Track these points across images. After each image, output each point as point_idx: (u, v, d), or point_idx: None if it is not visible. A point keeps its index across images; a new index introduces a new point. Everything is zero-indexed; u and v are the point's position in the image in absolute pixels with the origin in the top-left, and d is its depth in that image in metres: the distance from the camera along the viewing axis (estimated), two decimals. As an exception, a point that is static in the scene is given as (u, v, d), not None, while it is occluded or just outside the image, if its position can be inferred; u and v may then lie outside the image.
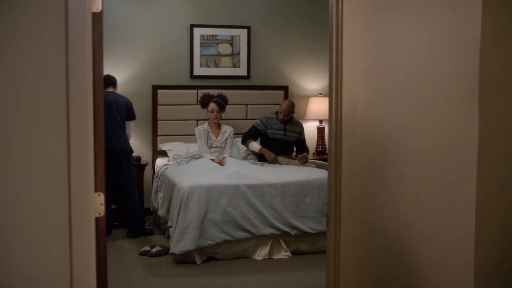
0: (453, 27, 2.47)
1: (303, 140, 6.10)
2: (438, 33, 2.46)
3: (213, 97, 5.88)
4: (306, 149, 6.09)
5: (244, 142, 5.95)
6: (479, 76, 2.47)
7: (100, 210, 2.08)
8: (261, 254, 4.79)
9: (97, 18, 2.07)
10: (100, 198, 2.08)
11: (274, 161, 5.77)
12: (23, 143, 2.00)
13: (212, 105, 5.80)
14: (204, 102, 5.89)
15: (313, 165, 5.91)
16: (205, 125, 5.89)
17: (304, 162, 5.75)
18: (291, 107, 5.89)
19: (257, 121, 5.99)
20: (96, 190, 2.07)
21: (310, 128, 6.77)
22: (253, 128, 5.96)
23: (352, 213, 2.39)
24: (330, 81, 2.38)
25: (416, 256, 2.52)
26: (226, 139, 5.90)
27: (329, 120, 2.42)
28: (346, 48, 2.30)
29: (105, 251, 2.13)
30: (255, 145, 5.86)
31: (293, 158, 5.95)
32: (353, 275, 2.43)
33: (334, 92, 2.35)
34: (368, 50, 2.36)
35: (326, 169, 5.76)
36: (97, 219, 2.07)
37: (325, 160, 6.30)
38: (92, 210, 2.06)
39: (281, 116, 5.89)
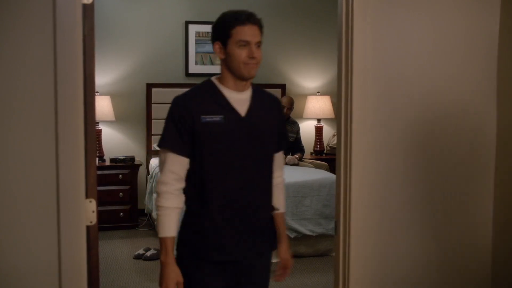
0: (470, 22, 2.35)
1: (299, 139, 6.01)
2: (454, 28, 2.35)
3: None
4: (301, 149, 5.99)
5: None
6: (497, 73, 2.36)
7: (92, 218, 1.93)
8: (259, 257, 4.66)
9: (88, 10, 1.91)
10: (92, 205, 1.93)
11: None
12: (7, 144, 1.85)
13: None
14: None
15: (311, 165, 5.79)
16: (201, 124, 5.75)
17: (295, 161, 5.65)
18: (292, 99, 5.88)
19: None
20: (87, 196, 1.92)
21: (308, 127, 6.65)
22: None
23: (363, 219, 2.26)
24: (339, 79, 2.25)
25: (432, 258, 2.40)
26: (222, 138, 5.77)
27: (337, 120, 2.29)
28: (356, 45, 2.18)
29: (97, 261, 1.98)
30: None
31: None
32: (363, 278, 2.30)
33: (343, 91, 2.22)
34: (380, 47, 2.24)
35: (324, 169, 5.66)
36: (88, 227, 1.93)
37: (324, 160, 6.19)
38: (83, 218, 1.91)
39: (284, 111, 5.76)
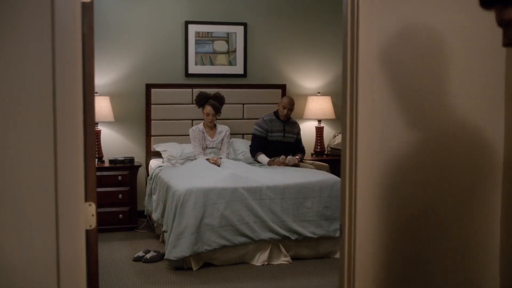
0: (479, 18, 2.30)
1: (299, 140, 5.99)
2: (462, 25, 2.30)
3: (209, 97, 5.69)
4: (301, 149, 5.96)
5: (254, 155, 5.79)
6: (505, 74, 2.33)
7: (91, 221, 1.88)
8: (260, 259, 4.64)
9: (87, 9, 1.87)
10: (91, 208, 1.88)
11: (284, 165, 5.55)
12: (3, 146, 1.80)
13: (208, 108, 5.63)
14: (200, 102, 5.72)
15: (312, 166, 5.75)
16: (200, 125, 5.73)
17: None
18: (293, 100, 5.84)
19: (256, 127, 5.79)
20: (86, 200, 1.87)
21: (308, 128, 6.61)
22: (256, 137, 5.78)
23: (369, 222, 2.22)
24: (344, 77, 2.20)
25: (440, 260, 2.37)
26: (222, 139, 5.75)
27: (342, 120, 2.24)
28: (361, 42, 2.12)
29: (96, 265, 1.94)
30: (264, 159, 5.69)
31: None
32: (369, 281, 2.26)
33: (348, 90, 2.17)
34: (386, 43, 2.18)
35: (325, 170, 5.62)
36: (87, 231, 1.88)
37: (324, 161, 6.15)
38: (82, 222, 1.86)
39: (285, 111, 5.74)
